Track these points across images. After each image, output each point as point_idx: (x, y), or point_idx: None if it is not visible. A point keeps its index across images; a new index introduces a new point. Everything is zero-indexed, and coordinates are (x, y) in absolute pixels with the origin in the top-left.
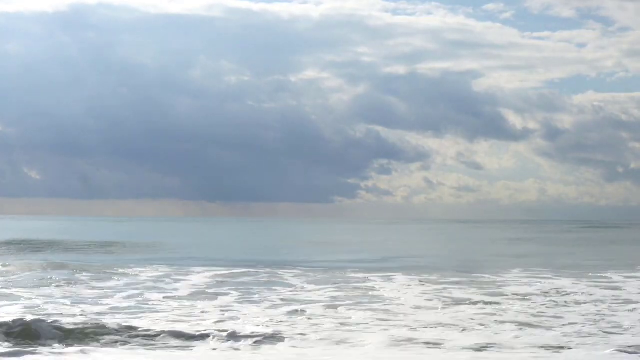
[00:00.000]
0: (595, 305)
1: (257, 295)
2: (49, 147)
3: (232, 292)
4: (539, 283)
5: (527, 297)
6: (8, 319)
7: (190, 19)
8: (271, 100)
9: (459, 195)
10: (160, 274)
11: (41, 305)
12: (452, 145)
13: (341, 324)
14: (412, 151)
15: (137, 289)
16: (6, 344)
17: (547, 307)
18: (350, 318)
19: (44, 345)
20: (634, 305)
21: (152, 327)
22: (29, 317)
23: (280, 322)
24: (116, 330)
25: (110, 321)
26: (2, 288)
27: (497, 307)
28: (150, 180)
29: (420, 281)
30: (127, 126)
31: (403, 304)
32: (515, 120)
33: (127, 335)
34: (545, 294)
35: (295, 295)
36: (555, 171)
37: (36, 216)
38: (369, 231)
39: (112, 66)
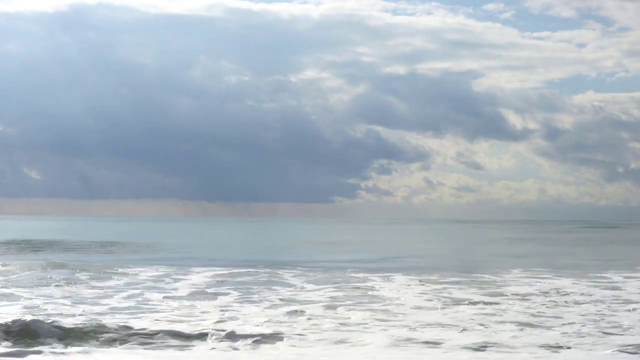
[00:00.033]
0: (595, 305)
1: (256, 295)
2: (49, 147)
3: (231, 291)
4: (538, 283)
5: (527, 297)
6: (8, 318)
7: (190, 19)
8: (271, 100)
9: (459, 195)
10: (160, 273)
11: (41, 305)
12: (452, 145)
13: (341, 323)
14: (412, 151)
15: (136, 288)
16: (6, 343)
17: (547, 307)
18: (349, 318)
19: (43, 344)
20: (634, 305)
21: (151, 327)
22: (28, 317)
23: (280, 322)
24: (116, 330)
25: (109, 321)
26: (2, 288)
27: (497, 307)
28: (150, 180)
29: (420, 281)
30: (127, 126)
31: (403, 304)
32: (515, 120)
33: (127, 334)
34: (545, 294)
35: (295, 295)
36: (555, 171)
37: (36, 216)
38: (369, 231)
39: (112, 66)
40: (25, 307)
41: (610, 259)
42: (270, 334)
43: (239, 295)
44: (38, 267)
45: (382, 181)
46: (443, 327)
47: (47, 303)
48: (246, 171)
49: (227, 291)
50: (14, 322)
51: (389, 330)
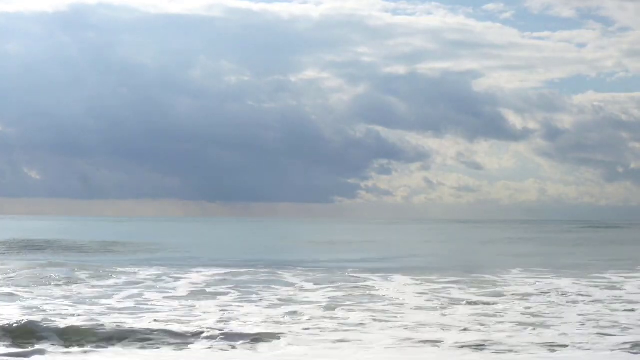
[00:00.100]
0: (595, 305)
1: (256, 295)
2: (49, 147)
3: (231, 291)
4: (538, 283)
5: (527, 297)
6: (8, 318)
7: (190, 19)
8: (271, 100)
9: (459, 195)
10: (160, 273)
11: (41, 305)
12: (452, 145)
13: (340, 323)
14: (412, 151)
15: (136, 288)
16: (5, 343)
17: (546, 307)
18: (349, 318)
19: (43, 344)
20: (633, 305)
21: (150, 326)
22: (28, 317)
23: (279, 321)
24: (115, 330)
25: (109, 320)
26: (2, 287)
27: (497, 307)
28: (150, 180)
29: (420, 281)
30: (127, 126)
31: (402, 304)
32: (515, 120)
33: (126, 334)
34: (545, 294)
35: (294, 295)
36: (555, 171)
37: (36, 216)
38: (369, 231)
39: (112, 66)
40: (25, 307)
41: (610, 259)
42: (269, 333)
43: (238, 295)
44: (38, 267)
45: (382, 181)
46: (443, 327)
47: (46, 303)
48: (246, 171)
49: (227, 291)
50: (14, 321)
51: (389, 330)
